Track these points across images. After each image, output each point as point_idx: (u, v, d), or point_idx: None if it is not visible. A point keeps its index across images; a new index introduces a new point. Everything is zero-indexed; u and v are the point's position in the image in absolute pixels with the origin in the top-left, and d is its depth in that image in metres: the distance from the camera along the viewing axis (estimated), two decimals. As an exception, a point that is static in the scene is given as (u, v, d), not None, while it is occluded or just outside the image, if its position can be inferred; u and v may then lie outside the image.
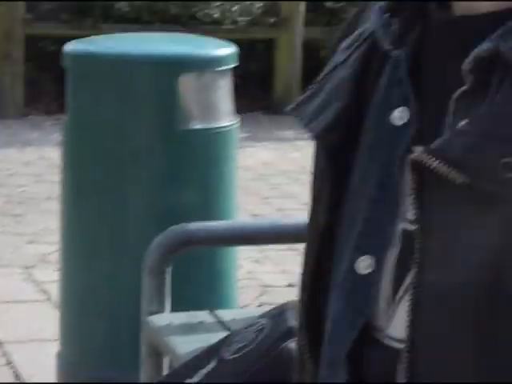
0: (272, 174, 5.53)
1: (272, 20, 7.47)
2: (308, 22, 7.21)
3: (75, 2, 7.51)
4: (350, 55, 0.68)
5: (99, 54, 3.54)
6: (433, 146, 0.55)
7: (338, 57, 0.71)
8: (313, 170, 0.76)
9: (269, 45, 7.49)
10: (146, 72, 3.39)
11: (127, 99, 3.31)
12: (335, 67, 0.71)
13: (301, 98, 0.74)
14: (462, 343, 0.54)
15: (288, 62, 7.13)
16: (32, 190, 5.88)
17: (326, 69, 0.73)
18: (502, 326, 0.53)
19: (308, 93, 0.73)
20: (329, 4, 7.37)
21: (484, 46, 0.56)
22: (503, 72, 0.55)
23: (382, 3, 0.67)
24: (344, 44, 0.71)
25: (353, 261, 0.62)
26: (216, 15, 7.54)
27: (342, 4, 7.22)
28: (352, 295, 0.63)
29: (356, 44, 0.69)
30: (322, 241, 0.70)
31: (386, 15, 0.65)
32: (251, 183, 5.40)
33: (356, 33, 0.71)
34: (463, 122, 0.57)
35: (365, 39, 0.68)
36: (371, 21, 0.67)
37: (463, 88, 0.58)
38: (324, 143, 0.68)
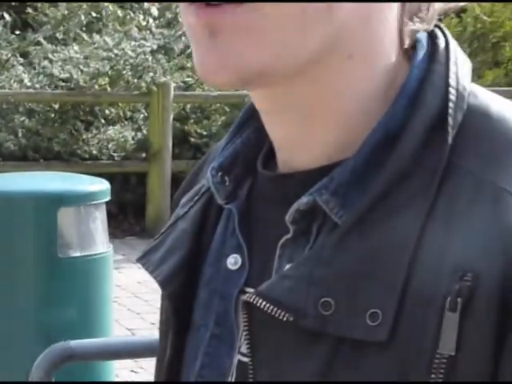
0: (145, 291, 5.66)
1: (143, 155, 7.75)
2: (175, 156, 7.55)
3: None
4: (190, 208, 0.71)
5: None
6: (261, 288, 0.58)
7: (179, 210, 0.74)
8: (160, 310, 0.79)
9: (142, 177, 7.72)
10: (29, 207, 3.61)
11: (17, 231, 3.53)
12: (177, 220, 0.73)
13: (148, 247, 0.76)
14: None
15: (159, 192, 7.36)
16: None
17: (170, 221, 0.76)
18: None
19: (154, 243, 0.75)
20: (193, 140, 7.81)
21: (303, 200, 0.59)
22: (321, 221, 0.59)
23: (217, 163, 0.69)
24: (184, 199, 0.74)
25: None
26: (94, 152, 7.72)
27: (204, 140, 7.68)
28: None
29: (195, 198, 0.71)
30: (170, 372, 0.73)
31: (220, 173, 0.67)
32: (127, 300, 5.53)
33: (195, 188, 0.73)
34: (287, 267, 0.60)
35: (203, 194, 0.70)
36: (207, 178, 0.68)
37: (287, 236, 0.61)
38: (168, 288, 0.70)
